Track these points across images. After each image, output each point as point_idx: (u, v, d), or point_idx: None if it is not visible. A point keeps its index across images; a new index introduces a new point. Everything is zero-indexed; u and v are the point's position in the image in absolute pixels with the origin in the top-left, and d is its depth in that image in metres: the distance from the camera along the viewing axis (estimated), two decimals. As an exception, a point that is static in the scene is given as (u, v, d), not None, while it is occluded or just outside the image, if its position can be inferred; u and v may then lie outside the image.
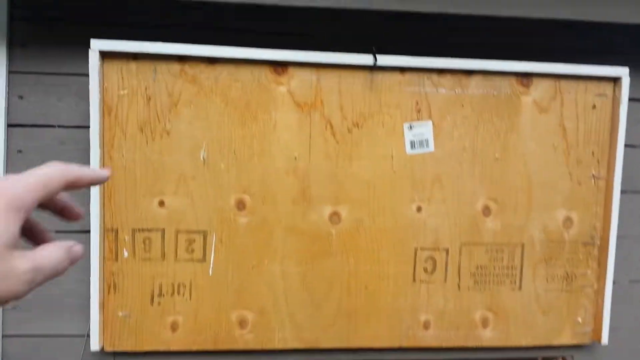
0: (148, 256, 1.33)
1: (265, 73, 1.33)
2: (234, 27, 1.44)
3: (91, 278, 1.28)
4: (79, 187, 0.47)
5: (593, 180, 1.49)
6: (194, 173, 1.33)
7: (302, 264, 1.39)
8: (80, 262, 1.40)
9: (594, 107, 1.46)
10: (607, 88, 1.46)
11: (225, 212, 1.35)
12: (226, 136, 1.33)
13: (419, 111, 1.40)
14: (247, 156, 1.34)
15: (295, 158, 1.36)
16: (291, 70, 1.34)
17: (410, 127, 1.40)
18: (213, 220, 1.34)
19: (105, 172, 0.50)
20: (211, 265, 1.35)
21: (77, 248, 0.45)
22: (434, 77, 1.39)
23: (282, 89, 1.34)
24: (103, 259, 1.31)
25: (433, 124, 1.41)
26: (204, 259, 1.34)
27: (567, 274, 1.51)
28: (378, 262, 1.42)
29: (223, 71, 1.32)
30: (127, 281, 1.32)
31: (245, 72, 1.32)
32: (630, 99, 1.51)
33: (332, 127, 1.37)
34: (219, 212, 1.34)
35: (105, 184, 1.29)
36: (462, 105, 1.41)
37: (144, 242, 1.32)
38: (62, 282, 1.43)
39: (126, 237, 1.31)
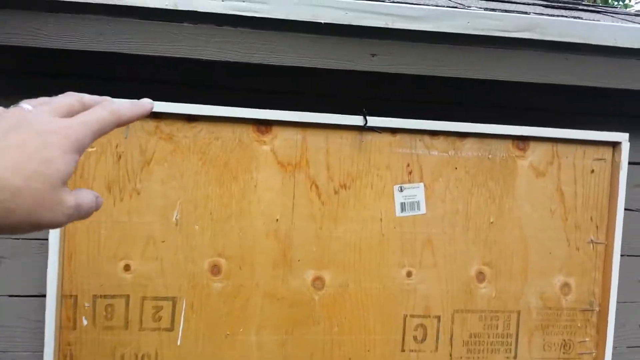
0: (110, 324, 1.22)
1: (248, 131, 1.25)
2: (217, 83, 1.36)
3: (45, 349, 1.17)
4: (127, 124, 0.53)
5: (592, 246, 1.41)
6: (164, 235, 1.23)
7: (281, 332, 1.29)
8: (32, 330, 1.29)
9: (592, 171, 1.39)
10: (606, 152, 1.40)
11: (198, 277, 1.25)
12: (202, 196, 1.24)
13: (410, 173, 1.32)
14: (224, 217, 1.25)
15: (277, 220, 1.27)
16: (275, 130, 1.25)
17: (401, 189, 1.31)
18: (184, 285, 1.24)
19: (148, 104, 0.55)
20: (180, 335, 1.24)
21: (100, 199, 0.51)
22: (426, 138, 1.32)
23: (265, 148, 1.26)
24: (59, 328, 1.20)
25: (425, 186, 1.32)
26: (172, 327, 1.24)
27: (565, 342, 1.42)
28: (364, 331, 1.32)
29: (202, 129, 1.23)
30: (85, 352, 1.21)
31: (225, 130, 1.24)
32: (630, 163, 1.44)
33: (317, 188, 1.28)
34: (191, 277, 1.24)
35: (65, 244, 1.19)
36: (456, 168, 1.34)
37: (105, 309, 1.21)
38: (12, 352, 1.31)
39: (86, 304, 1.21)
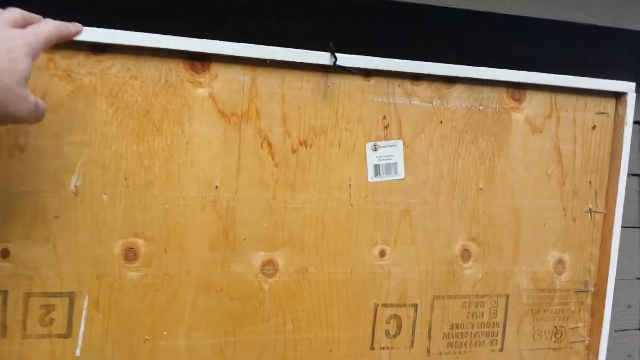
0: (-16, 333, 0.88)
1: (177, 69, 0.92)
2: (133, 9, 1.02)
3: None
4: (65, 41, 0.73)
5: (590, 215, 1.21)
6: (59, 209, 0.90)
7: (219, 334, 1.00)
8: None
9: (593, 127, 1.18)
10: (609, 105, 1.18)
11: (106, 265, 0.93)
12: (113, 155, 0.91)
13: (386, 127, 1.05)
14: (144, 184, 0.93)
15: (217, 187, 0.97)
16: (215, 67, 0.94)
17: (375, 148, 1.04)
18: (86, 276, 0.92)
19: (80, 26, 0.76)
20: (79, 343, 0.92)
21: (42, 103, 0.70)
22: (407, 84, 1.04)
23: (201, 91, 0.94)
24: None
25: (404, 144, 1.06)
26: (68, 333, 0.91)
27: (556, 329, 1.22)
28: (326, 327, 1.06)
29: (114, 64, 0.90)
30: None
31: (147, 67, 0.91)
32: (636, 122, 1.24)
33: (270, 145, 0.99)
34: (96, 265, 0.92)
35: None
36: (441, 122, 1.08)
37: (-23, 312, 0.87)
38: None
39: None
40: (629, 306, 1.41)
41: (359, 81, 1.02)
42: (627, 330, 1.41)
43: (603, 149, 1.19)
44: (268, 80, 0.97)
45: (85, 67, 0.88)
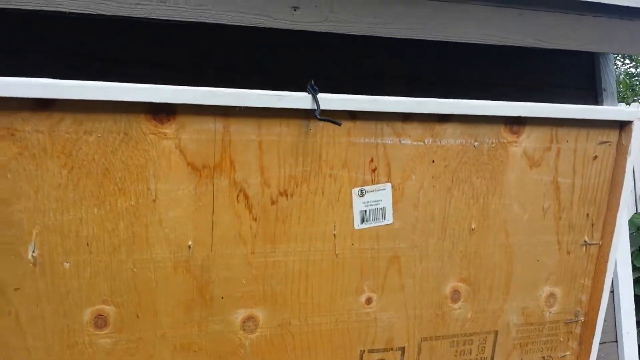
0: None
1: (139, 120, 0.82)
2: (88, 52, 0.89)
3: None
4: None
5: (585, 248, 1.15)
6: (18, 281, 0.81)
7: (202, 391, 0.94)
8: None
9: (595, 157, 1.11)
10: (613, 134, 1.11)
11: (75, 335, 0.85)
12: (72, 221, 0.82)
13: (374, 170, 0.96)
14: (109, 249, 0.84)
15: (189, 247, 0.88)
16: (181, 117, 0.83)
17: (362, 193, 0.96)
18: (55, 348, 0.85)
19: None
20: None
21: None
22: (397, 124, 0.95)
23: (167, 143, 0.84)
24: None
25: (393, 186, 0.98)
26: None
27: (544, 359, 1.20)
28: (310, 376, 1.01)
29: (64, 119, 0.79)
30: None
31: (103, 120, 0.80)
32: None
33: (247, 198, 0.90)
34: (65, 336, 0.85)
35: None
36: (433, 161, 0.99)
37: None
38: None
39: None
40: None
41: (345, 123, 0.92)
42: (604, 343, 1.39)
43: (603, 179, 1.13)
44: (242, 127, 0.87)
45: (30, 123, 0.77)
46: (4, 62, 0.92)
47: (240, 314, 0.94)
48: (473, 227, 1.05)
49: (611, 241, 1.15)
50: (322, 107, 0.87)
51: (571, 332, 1.20)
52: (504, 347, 1.15)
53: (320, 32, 0.99)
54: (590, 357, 1.21)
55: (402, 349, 1.07)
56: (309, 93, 0.87)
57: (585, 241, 1.14)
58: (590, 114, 1.05)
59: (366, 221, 0.97)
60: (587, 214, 1.13)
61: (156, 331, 0.89)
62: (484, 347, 1.13)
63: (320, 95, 0.86)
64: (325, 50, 1.18)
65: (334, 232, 0.96)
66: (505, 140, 1.03)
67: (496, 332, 1.13)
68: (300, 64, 1.20)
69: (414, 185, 0.99)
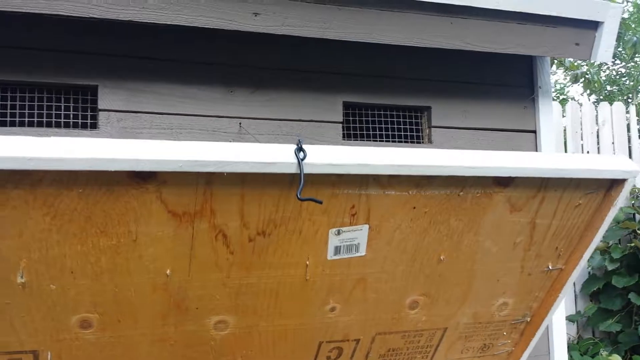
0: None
1: (120, 177, 0.81)
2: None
3: None
4: None
5: (546, 272, 1.22)
6: (9, 297, 0.89)
7: (176, 366, 1.09)
8: None
9: (577, 205, 1.11)
10: (603, 185, 1.09)
11: (64, 332, 0.96)
12: (57, 256, 0.87)
13: (353, 215, 0.98)
14: (92, 276, 0.91)
15: (167, 274, 0.95)
16: (163, 176, 0.82)
17: (338, 233, 0.99)
18: (46, 338, 0.96)
19: None
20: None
21: None
22: (384, 178, 0.94)
23: (149, 196, 0.85)
24: None
25: (370, 227, 1.00)
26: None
27: (485, 345, 1.35)
28: (273, 357, 1.16)
29: (43, 177, 0.78)
30: None
31: (84, 177, 0.80)
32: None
33: (225, 237, 0.93)
34: (54, 332, 0.96)
35: None
36: (414, 207, 1.00)
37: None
38: None
39: None
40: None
41: (330, 177, 0.91)
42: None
43: (582, 220, 1.14)
44: (225, 184, 0.86)
45: (11, 181, 0.77)
46: None
47: (213, 319, 1.04)
48: (442, 257, 1.10)
49: (575, 267, 1.21)
50: (308, 172, 0.85)
51: (515, 328, 1.33)
52: (450, 338, 1.28)
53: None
54: (528, 347, 1.37)
55: (358, 340, 1.20)
56: (296, 154, 0.84)
57: (548, 267, 1.21)
58: (586, 174, 1.03)
59: (339, 254, 1.02)
60: (557, 247, 1.18)
61: (136, 331, 1.00)
62: (432, 337, 1.27)
63: (306, 162, 0.84)
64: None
65: (307, 262, 1.01)
66: (491, 191, 1.03)
67: (445, 329, 1.26)
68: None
69: (391, 226, 1.01)
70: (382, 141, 1.52)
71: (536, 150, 1.68)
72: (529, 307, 1.29)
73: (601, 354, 2.73)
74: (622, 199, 1.09)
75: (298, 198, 0.83)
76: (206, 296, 1.00)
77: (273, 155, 0.84)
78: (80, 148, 0.75)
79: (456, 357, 1.35)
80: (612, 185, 1.09)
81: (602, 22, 1.57)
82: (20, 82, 1.15)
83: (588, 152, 3.44)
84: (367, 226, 1.00)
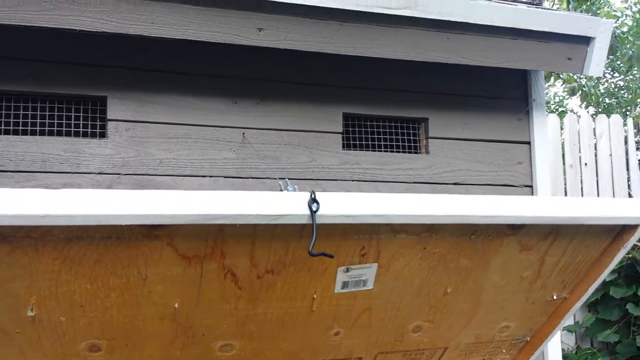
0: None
1: (131, 228, 0.80)
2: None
3: None
4: None
5: (550, 301, 1.23)
6: (20, 327, 0.91)
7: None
8: None
9: (587, 245, 1.10)
10: (615, 229, 1.08)
11: (72, 356, 0.98)
12: (66, 293, 0.87)
13: (363, 255, 0.98)
14: (102, 309, 0.92)
15: (175, 307, 0.95)
16: (174, 227, 0.82)
17: (347, 270, 0.99)
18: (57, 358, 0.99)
19: None
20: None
21: None
22: (396, 224, 0.93)
23: (159, 243, 0.84)
24: None
25: (379, 265, 1.00)
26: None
27: (484, 359, 1.38)
28: (276, 372, 1.19)
29: (54, 229, 0.77)
30: None
31: (92, 229, 0.79)
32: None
33: (234, 275, 0.93)
34: (64, 357, 0.98)
35: None
36: (424, 248, 1.00)
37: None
38: None
39: None
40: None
41: (342, 224, 0.90)
42: None
43: (591, 257, 1.14)
44: (237, 232, 0.86)
45: (20, 231, 0.77)
46: None
47: (219, 343, 1.06)
48: (448, 291, 1.10)
49: (580, 297, 1.22)
50: (321, 222, 0.84)
51: (514, 346, 1.36)
52: (451, 355, 1.31)
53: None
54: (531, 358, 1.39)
55: (360, 358, 1.22)
56: (309, 206, 0.83)
57: (553, 297, 1.21)
58: (598, 220, 1.02)
59: (346, 287, 1.02)
60: (563, 280, 1.18)
61: (143, 354, 1.02)
62: (432, 356, 1.29)
63: (319, 213, 0.83)
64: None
65: (314, 296, 1.02)
66: (503, 234, 1.02)
67: (446, 348, 1.28)
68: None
69: (400, 264, 1.01)
70: (381, 151, 1.52)
71: (530, 160, 1.68)
72: (529, 329, 1.30)
73: None
74: (633, 242, 1.08)
75: (310, 254, 0.83)
76: (213, 325, 1.01)
77: (286, 207, 0.82)
78: (91, 202, 0.74)
79: (454, 370, 1.37)
80: (624, 229, 1.07)
81: (594, 38, 1.60)
82: (33, 93, 1.14)
83: (586, 164, 3.42)
84: (376, 264, 0.99)
